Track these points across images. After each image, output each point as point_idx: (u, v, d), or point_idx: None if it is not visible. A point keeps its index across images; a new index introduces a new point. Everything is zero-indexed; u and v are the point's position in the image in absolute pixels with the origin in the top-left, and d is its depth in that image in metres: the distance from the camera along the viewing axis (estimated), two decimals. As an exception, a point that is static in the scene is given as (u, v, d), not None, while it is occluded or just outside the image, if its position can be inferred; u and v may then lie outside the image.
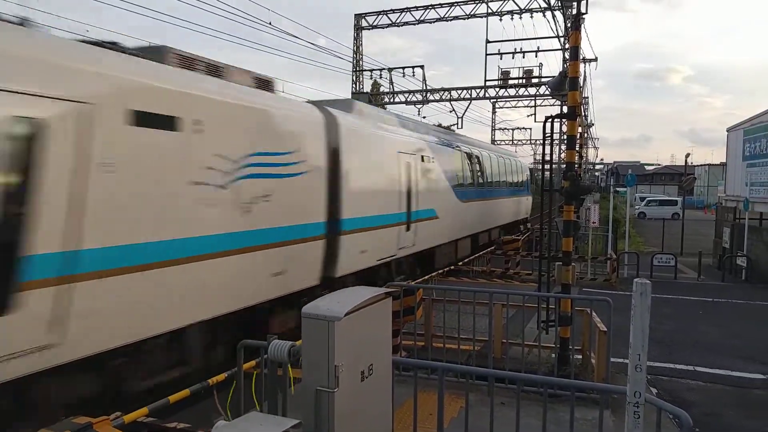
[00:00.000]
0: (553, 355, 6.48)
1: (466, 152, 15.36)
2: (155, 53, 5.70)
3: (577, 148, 9.76)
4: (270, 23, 17.14)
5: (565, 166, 7.08)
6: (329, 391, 3.15)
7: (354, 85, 27.59)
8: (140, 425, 3.75)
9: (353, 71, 27.70)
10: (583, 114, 30.79)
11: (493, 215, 18.15)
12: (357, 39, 27.85)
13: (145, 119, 4.82)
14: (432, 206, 11.89)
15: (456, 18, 25.62)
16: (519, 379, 4.18)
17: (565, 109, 7.64)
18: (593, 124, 45.66)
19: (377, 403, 3.66)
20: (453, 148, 14.32)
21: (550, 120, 7.34)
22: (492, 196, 17.82)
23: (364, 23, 27.60)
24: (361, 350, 3.46)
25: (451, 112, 27.26)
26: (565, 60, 23.50)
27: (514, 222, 22.18)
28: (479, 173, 16.45)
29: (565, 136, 6.98)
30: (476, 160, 16.26)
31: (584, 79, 29.64)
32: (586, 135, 37.83)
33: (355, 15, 27.68)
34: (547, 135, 7.41)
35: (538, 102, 31.63)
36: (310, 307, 3.36)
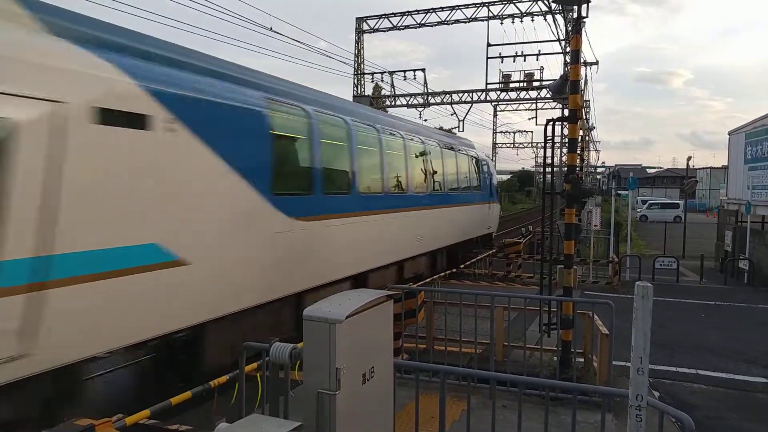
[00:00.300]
0: (555, 358, 6.47)
1: (330, 125, 8.35)
2: None
3: (578, 151, 9.74)
4: (271, 28, 17.17)
5: (566, 169, 7.09)
6: (331, 393, 3.15)
7: (355, 89, 27.66)
8: (142, 427, 3.75)
9: (354, 75, 27.77)
10: (584, 117, 30.84)
11: (406, 237, 10.82)
12: (358, 42, 27.94)
13: None
14: (159, 237, 5.19)
15: (457, 21, 25.72)
16: (521, 382, 4.16)
17: (566, 112, 7.64)
18: (594, 127, 45.77)
19: (379, 405, 3.66)
20: (278, 110, 7.19)
21: (551, 123, 7.35)
22: (402, 206, 10.55)
23: (365, 27, 27.69)
24: (363, 353, 3.46)
25: (452, 115, 27.36)
26: (566, 63, 23.54)
27: (466, 241, 15.32)
28: (371, 166, 9.65)
29: (567, 139, 6.98)
30: (358, 141, 9.02)
31: (585, 83, 29.71)
32: (587, 138, 37.87)
33: (357, 18, 27.80)
34: (548, 138, 7.42)
35: (540, 105, 31.76)
36: (312, 309, 3.37)
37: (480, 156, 17.51)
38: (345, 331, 3.23)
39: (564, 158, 11.14)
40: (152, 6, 13.03)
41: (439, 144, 13.34)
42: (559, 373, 6.13)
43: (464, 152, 15.65)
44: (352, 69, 27.66)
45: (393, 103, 27.30)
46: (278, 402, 3.82)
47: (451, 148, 14.40)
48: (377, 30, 27.47)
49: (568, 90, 7.11)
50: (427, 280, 11.51)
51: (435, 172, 12.62)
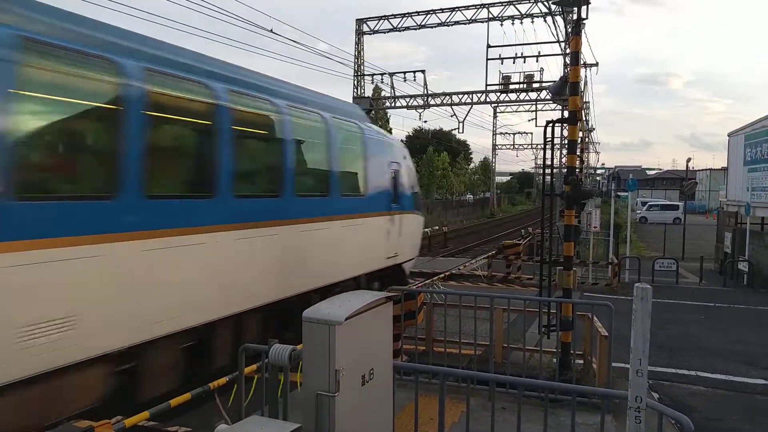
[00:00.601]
0: (555, 360, 6.47)
1: None
2: None
3: (578, 153, 9.69)
4: (272, 30, 17.18)
5: (566, 170, 7.10)
6: (330, 395, 3.15)
7: (355, 90, 27.67)
8: (141, 429, 3.75)
9: (354, 76, 27.78)
10: (583, 119, 30.87)
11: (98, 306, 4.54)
12: (358, 44, 27.95)
13: None
14: None
15: (457, 23, 25.75)
16: (520, 383, 4.16)
17: (566, 113, 7.66)
18: (594, 129, 45.84)
19: (378, 407, 3.66)
20: None
21: (551, 125, 7.36)
22: (86, 230, 4.50)
23: (365, 28, 27.72)
24: (362, 354, 3.46)
25: (452, 116, 27.38)
26: (566, 65, 23.57)
27: (331, 286, 8.13)
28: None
29: (567, 141, 6.99)
30: None
31: (585, 84, 29.75)
32: (587, 140, 37.94)
33: (357, 20, 27.81)
34: (548, 140, 7.43)
35: (539, 107, 31.78)
36: (311, 311, 3.37)
37: (371, 133, 9.74)
38: (344, 333, 3.23)
39: (564, 160, 11.16)
40: (149, 6, 13.07)
41: (229, 96, 6.25)
42: (559, 374, 6.13)
43: (321, 120, 8.07)
44: (352, 70, 27.67)
45: (393, 105, 27.33)
46: (278, 404, 3.82)
47: (278, 111, 7.08)
48: (377, 31, 27.49)
49: (568, 92, 7.12)
50: (427, 281, 11.50)
51: (223, 158, 6.07)
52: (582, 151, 31.08)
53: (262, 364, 4.16)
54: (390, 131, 50.67)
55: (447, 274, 13.27)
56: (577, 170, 7.11)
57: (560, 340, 6.43)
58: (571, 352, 6.44)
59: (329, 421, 3.14)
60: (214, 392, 4.52)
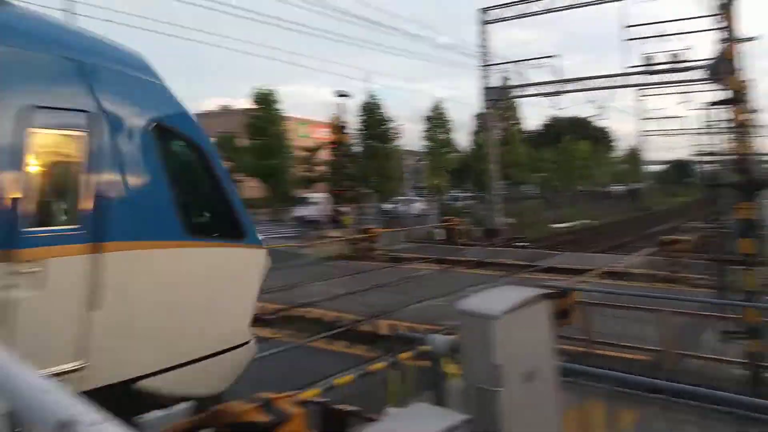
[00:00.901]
0: (741, 372, 5.60)
1: None
2: None
3: (746, 137, 8.28)
4: (394, 27, 17.57)
5: (735, 158, 6.17)
6: (493, 389, 3.09)
7: (483, 81, 27.04)
8: (313, 404, 3.96)
9: (481, 67, 27.18)
10: (748, 99, 26.56)
11: None
12: (483, 33, 27.34)
13: None
14: None
15: (587, 4, 23.90)
16: (703, 395, 3.66)
17: (725, 94, 6.66)
18: (762, 110, 39.44)
19: (543, 406, 3.50)
20: None
21: (711, 107, 6.48)
22: None
23: (489, 17, 27.01)
24: (523, 351, 3.37)
25: (589, 102, 25.50)
26: (719, 41, 20.56)
27: None
28: None
29: (731, 125, 6.08)
30: None
31: (745, 60, 25.71)
32: (753, 122, 32.73)
33: (480, 9, 27.18)
34: (710, 123, 6.55)
35: (690, 88, 28.08)
36: (466, 304, 3.39)
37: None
38: (503, 328, 3.17)
39: (729, 146, 9.60)
40: (266, 9, 14.06)
41: None
42: (751, 388, 5.29)
43: None
44: (479, 61, 27.04)
45: (523, 93, 26.22)
46: (436, 392, 3.84)
47: None
48: (501, 19, 26.60)
49: (726, 70, 6.21)
50: (578, 279, 10.79)
51: None
52: (751, 136, 26.89)
53: (416, 353, 4.21)
54: (519, 121, 47.64)
55: (602, 271, 12.21)
56: (747, 157, 6.15)
57: (747, 349, 5.56)
58: (762, 363, 5.53)
59: (495, 415, 3.07)
60: (374, 375, 4.67)
